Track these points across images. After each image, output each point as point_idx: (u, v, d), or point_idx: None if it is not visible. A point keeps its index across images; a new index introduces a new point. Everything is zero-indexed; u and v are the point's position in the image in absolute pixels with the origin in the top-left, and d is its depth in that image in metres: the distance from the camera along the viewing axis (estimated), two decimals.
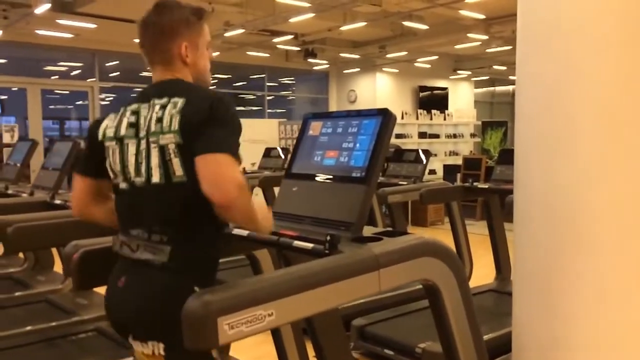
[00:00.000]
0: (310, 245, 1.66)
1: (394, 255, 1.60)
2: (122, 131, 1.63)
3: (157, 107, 1.58)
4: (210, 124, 1.48)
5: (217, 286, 1.29)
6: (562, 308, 1.74)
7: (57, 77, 11.00)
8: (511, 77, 15.87)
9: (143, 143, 1.58)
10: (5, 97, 10.41)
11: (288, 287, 1.35)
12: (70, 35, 9.13)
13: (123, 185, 1.62)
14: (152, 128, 1.56)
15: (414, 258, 1.64)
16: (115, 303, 1.61)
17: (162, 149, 1.54)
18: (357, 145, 1.88)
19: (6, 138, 9.01)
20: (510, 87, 17.56)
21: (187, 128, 1.50)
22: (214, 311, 1.23)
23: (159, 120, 1.55)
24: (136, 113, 1.62)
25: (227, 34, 8.98)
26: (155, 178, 1.54)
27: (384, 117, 1.84)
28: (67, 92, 11.18)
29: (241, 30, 8.80)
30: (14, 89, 10.11)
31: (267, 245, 1.88)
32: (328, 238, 1.59)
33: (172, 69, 1.66)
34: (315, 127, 2.08)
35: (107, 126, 1.67)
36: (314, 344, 2.22)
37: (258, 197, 1.61)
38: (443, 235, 7.57)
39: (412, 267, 1.63)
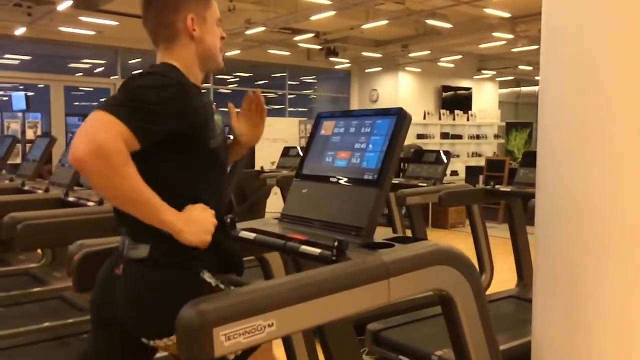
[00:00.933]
0: (317, 250, 1.58)
1: (405, 263, 1.51)
2: None
3: None
4: (118, 91, 1.38)
5: (213, 294, 1.22)
6: (585, 320, 1.63)
7: (81, 74, 11.10)
8: (537, 78, 15.48)
9: None
10: (32, 93, 10.53)
11: (290, 296, 1.27)
12: (92, 33, 9.20)
13: None
14: None
15: (427, 266, 1.54)
16: (107, 290, 1.56)
17: None
18: (370, 146, 1.79)
19: (29, 134, 9.11)
20: (536, 88, 17.23)
21: None
22: (210, 321, 1.16)
23: None
24: None
25: (248, 32, 8.95)
26: None
27: (399, 117, 1.75)
28: (92, 89, 11.28)
29: (262, 28, 8.77)
30: (40, 85, 10.22)
31: (274, 249, 1.81)
32: (335, 244, 1.50)
33: (174, 48, 1.56)
34: (327, 127, 2.00)
35: None
36: (324, 350, 2.14)
37: (204, 211, 1.40)
38: (464, 238, 7.46)
39: (424, 276, 1.54)
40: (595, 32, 1.58)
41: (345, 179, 1.82)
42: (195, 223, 1.39)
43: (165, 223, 1.35)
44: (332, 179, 1.86)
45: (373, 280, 1.42)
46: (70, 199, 3.43)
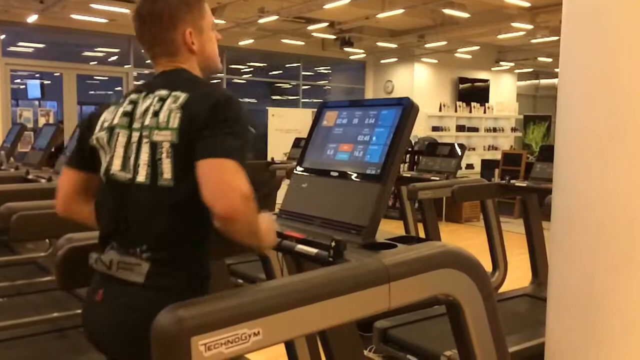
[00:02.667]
0: (313, 250, 1.47)
1: (408, 266, 1.39)
2: (115, 120, 1.46)
3: (155, 99, 1.41)
4: (215, 126, 1.31)
5: (193, 299, 1.11)
6: (603, 328, 1.50)
7: (95, 62, 11.07)
8: (557, 70, 15.19)
9: (135, 135, 1.41)
10: (49, 82, 10.53)
11: (278, 302, 1.17)
12: (105, 20, 9.14)
13: (104, 179, 1.45)
14: (147, 121, 1.39)
15: (432, 270, 1.43)
16: (91, 319, 1.46)
17: (154, 146, 1.36)
18: (374, 138, 1.67)
19: (42, 123, 9.11)
20: (556, 80, 16.86)
21: (187, 127, 1.33)
22: (188, 329, 1.06)
23: (156, 114, 1.38)
24: (134, 103, 1.46)
25: (261, 21, 8.83)
26: (141, 177, 1.37)
27: (405, 107, 1.63)
28: (106, 78, 11.25)
29: (275, 17, 8.63)
30: (56, 74, 10.21)
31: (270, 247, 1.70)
32: (333, 244, 1.39)
33: (178, 60, 1.50)
34: (329, 117, 1.89)
35: (105, 119, 1.50)
36: (325, 350, 2.04)
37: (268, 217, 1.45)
38: (478, 233, 7.31)
39: (429, 280, 1.42)
40: (616, 22, 1.45)
41: (347, 174, 1.71)
42: (270, 233, 1.45)
43: (261, 242, 1.40)
44: (333, 173, 1.75)
45: (372, 284, 1.31)
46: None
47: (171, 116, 1.35)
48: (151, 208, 1.36)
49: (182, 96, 1.37)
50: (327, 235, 1.56)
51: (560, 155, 1.57)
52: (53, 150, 4.96)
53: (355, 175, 1.67)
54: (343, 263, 1.37)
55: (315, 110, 1.82)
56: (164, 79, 1.47)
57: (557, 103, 1.58)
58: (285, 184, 6.34)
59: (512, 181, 4.24)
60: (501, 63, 13.82)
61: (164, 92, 1.41)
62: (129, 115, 1.44)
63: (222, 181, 1.24)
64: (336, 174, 1.74)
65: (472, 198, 4.91)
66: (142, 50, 1.57)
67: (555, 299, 1.58)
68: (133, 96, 1.47)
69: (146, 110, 1.41)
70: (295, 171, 1.89)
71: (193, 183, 1.28)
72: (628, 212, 1.40)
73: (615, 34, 1.41)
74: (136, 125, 1.41)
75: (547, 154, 4.43)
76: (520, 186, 4.24)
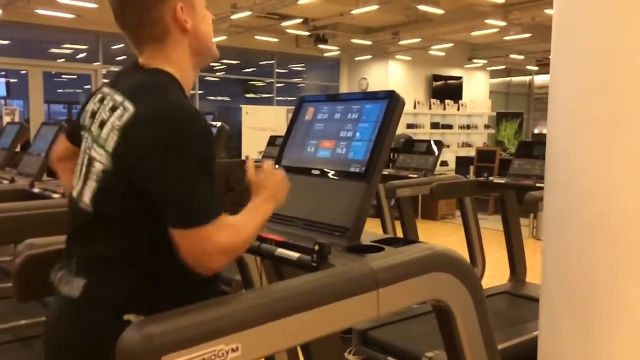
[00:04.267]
0: (295, 255, 1.36)
1: (397, 270, 1.30)
2: (86, 119, 1.32)
3: (108, 106, 1.24)
4: (159, 161, 1.10)
5: (163, 313, 1.00)
6: (602, 328, 1.43)
7: (63, 60, 10.75)
8: (528, 67, 15.43)
9: (89, 141, 1.28)
10: (15, 80, 10.18)
11: (259, 313, 1.06)
12: (72, 16, 8.86)
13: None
14: (94, 129, 1.25)
15: (422, 274, 1.33)
16: (46, 339, 1.33)
17: (90, 162, 1.24)
18: (357, 134, 1.57)
19: (6, 121, 8.80)
20: (527, 78, 17.09)
21: (123, 153, 1.16)
22: (158, 347, 0.94)
23: (102, 124, 1.23)
24: (102, 101, 1.29)
25: (234, 17, 8.66)
26: (75, 190, 1.29)
27: (390, 101, 1.54)
28: (75, 75, 10.94)
29: (248, 13, 8.48)
30: (22, 72, 9.87)
31: (248, 252, 1.59)
32: (316, 247, 1.29)
33: (165, 49, 1.28)
34: (310, 112, 1.78)
35: (86, 111, 1.35)
36: (304, 352, 1.94)
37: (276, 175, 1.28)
38: (454, 230, 7.33)
39: (419, 285, 1.33)
40: (611, 15, 1.37)
41: (329, 172, 1.60)
42: (279, 195, 1.34)
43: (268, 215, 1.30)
44: (314, 172, 1.64)
45: (360, 291, 1.21)
46: (36, 190, 3.19)
47: (110, 135, 1.19)
48: (80, 225, 1.26)
49: (127, 114, 1.17)
50: (309, 238, 1.46)
51: (552, 150, 1.50)
52: (18, 149, 4.75)
53: (338, 173, 1.57)
54: (328, 268, 1.27)
55: (291, 108, 1.72)
56: (134, 79, 1.27)
57: (549, 92, 1.50)
58: None
59: (490, 178, 4.20)
60: (474, 60, 13.90)
61: (118, 98, 1.23)
62: (92, 116, 1.30)
63: (202, 251, 1.12)
64: (317, 172, 1.63)
65: (450, 196, 4.87)
66: (117, 45, 1.41)
67: (548, 300, 1.51)
68: (105, 89, 1.31)
69: (99, 115, 1.26)
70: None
71: (119, 211, 1.18)
72: (629, 209, 1.33)
73: (615, 12, 1.33)
74: (91, 128, 1.28)
75: (525, 150, 4.41)
76: (499, 183, 4.19)
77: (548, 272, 1.48)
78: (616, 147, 1.34)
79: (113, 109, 1.22)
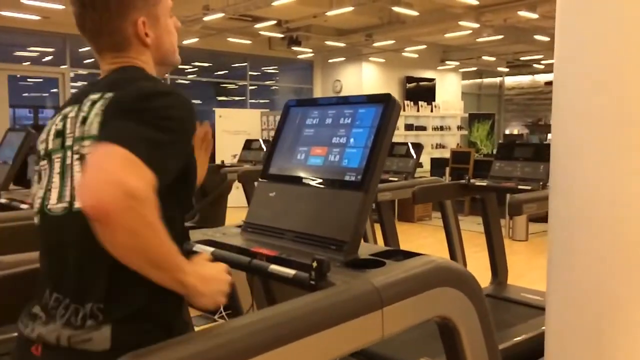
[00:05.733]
0: (291, 272, 1.26)
1: (402, 287, 1.21)
2: (50, 144, 1.18)
3: (86, 105, 1.14)
4: (127, 115, 1.04)
5: (149, 347, 0.89)
6: (612, 345, 1.35)
7: (28, 62, 10.43)
8: (499, 69, 15.59)
9: (69, 156, 1.14)
10: None
11: (256, 342, 0.96)
12: (38, 18, 8.59)
13: (36, 220, 1.16)
14: (77, 132, 1.13)
15: (427, 289, 1.25)
16: None
17: (64, 169, 1.12)
18: (352, 140, 1.48)
19: None
20: (498, 79, 17.28)
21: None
22: None
23: (84, 120, 1.12)
24: (65, 118, 1.18)
25: (206, 18, 8.52)
26: (79, 203, 1.06)
27: (386, 104, 1.45)
28: (41, 79, 10.62)
29: (221, 15, 8.34)
30: None
31: (236, 267, 1.48)
32: (314, 264, 1.19)
33: (127, 55, 1.22)
34: (298, 117, 1.68)
35: (41, 140, 1.21)
36: None
37: (216, 266, 1.12)
38: (432, 232, 7.29)
39: (425, 302, 1.25)
40: (616, 13, 1.30)
41: (321, 181, 1.51)
42: (212, 283, 1.08)
43: (187, 286, 1.02)
44: (305, 181, 1.55)
45: (363, 312, 1.12)
46: (2, 200, 3.02)
47: (94, 121, 1.09)
48: (89, 242, 1.01)
49: (108, 99, 1.11)
50: (302, 252, 1.36)
51: (557, 151, 1.43)
52: None
53: (332, 182, 1.47)
54: (327, 287, 1.17)
55: (265, 110, 1.62)
56: (106, 82, 1.19)
57: (553, 90, 1.43)
58: (236, 188, 6.09)
59: (472, 180, 4.16)
60: (447, 62, 13.98)
61: (95, 96, 1.14)
62: (61, 134, 1.16)
63: (98, 168, 0.93)
64: (309, 181, 1.54)
65: (432, 199, 4.81)
66: (84, 48, 1.29)
67: (556, 311, 1.43)
68: (67, 109, 1.20)
69: (77, 121, 1.14)
70: (260, 179, 1.68)
71: None
72: (634, 215, 1.27)
73: (623, 6, 1.26)
74: (68, 142, 1.15)
75: (505, 152, 4.38)
76: (481, 185, 4.15)
77: (554, 282, 1.41)
78: (627, 148, 1.28)
79: (93, 103, 1.12)
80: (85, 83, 1.27)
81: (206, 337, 0.94)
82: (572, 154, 1.37)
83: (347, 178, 1.44)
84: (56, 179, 1.14)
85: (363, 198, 1.38)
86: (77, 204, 1.07)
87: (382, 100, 1.47)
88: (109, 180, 0.89)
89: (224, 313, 3.94)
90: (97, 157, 0.95)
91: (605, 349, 1.32)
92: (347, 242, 1.35)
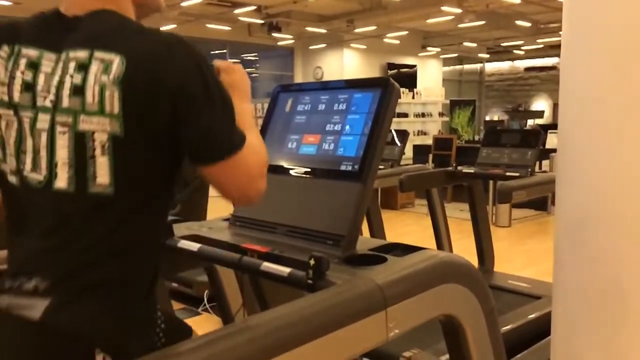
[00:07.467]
0: (286, 270, 1.17)
1: (406, 284, 1.13)
2: (16, 95, 1.02)
3: (71, 66, 0.98)
4: (193, 105, 0.99)
5: (142, 357, 0.79)
6: (627, 345, 1.28)
7: None
8: (480, 55, 15.59)
9: (43, 120, 1.00)
10: None
11: (253, 350, 0.87)
12: (9, 3, 8.30)
13: (12, 179, 1.04)
14: (65, 101, 0.98)
15: (433, 287, 1.17)
16: None
17: (81, 138, 0.97)
18: (347, 127, 1.39)
19: None
20: (478, 65, 17.29)
21: (140, 112, 0.96)
22: None
23: (77, 90, 0.97)
24: (35, 67, 1.02)
25: (184, 4, 8.31)
26: (61, 182, 0.98)
27: (385, 89, 1.35)
28: None
29: (199, 0, 8.14)
30: None
31: (226, 265, 1.38)
32: (312, 262, 1.10)
33: None
34: (288, 103, 1.58)
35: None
36: None
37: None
38: (416, 219, 7.23)
39: (430, 300, 1.17)
40: (624, 9, 1.22)
41: (316, 171, 1.41)
42: (244, 89, 1.27)
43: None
44: (297, 171, 1.45)
45: (366, 313, 1.03)
46: None
47: (105, 96, 0.95)
48: (73, 226, 0.98)
49: (115, 61, 0.96)
50: (296, 248, 1.27)
51: (565, 141, 1.35)
52: None
53: (327, 172, 1.38)
54: (327, 287, 1.08)
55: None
56: (83, 28, 1.02)
57: (561, 78, 1.35)
58: None
59: (459, 168, 4.10)
60: (428, 48, 13.92)
61: (81, 54, 0.98)
62: (31, 88, 1.01)
63: (245, 179, 1.06)
64: (302, 171, 1.44)
65: (420, 187, 4.73)
66: None
67: (564, 307, 1.36)
68: (32, 51, 1.03)
69: (59, 83, 0.99)
70: None
71: (142, 191, 0.99)
72: None
73: (622, 22, 1.19)
74: (40, 102, 1.00)
75: (492, 138, 4.33)
76: (469, 172, 4.09)
77: (563, 277, 1.34)
78: (636, 146, 1.21)
79: (82, 67, 0.98)
80: (45, 12, 1.07)
81: (199, 346, 0.84)
82: (583, 140, 1.30)
83: (343, 168, 1.34)
84: (29, 143, 1.01)
85: (361, 189, 1.29)
86: (58, 184, 0.98)
87: (380, 85, 1.37)
88: (255, 181, 1.06)
89: (207, 305, 3.84)
90: (240, 168, 1.04)
91: (620, 347, 1.26)
92: (345, 236, 1.26)
